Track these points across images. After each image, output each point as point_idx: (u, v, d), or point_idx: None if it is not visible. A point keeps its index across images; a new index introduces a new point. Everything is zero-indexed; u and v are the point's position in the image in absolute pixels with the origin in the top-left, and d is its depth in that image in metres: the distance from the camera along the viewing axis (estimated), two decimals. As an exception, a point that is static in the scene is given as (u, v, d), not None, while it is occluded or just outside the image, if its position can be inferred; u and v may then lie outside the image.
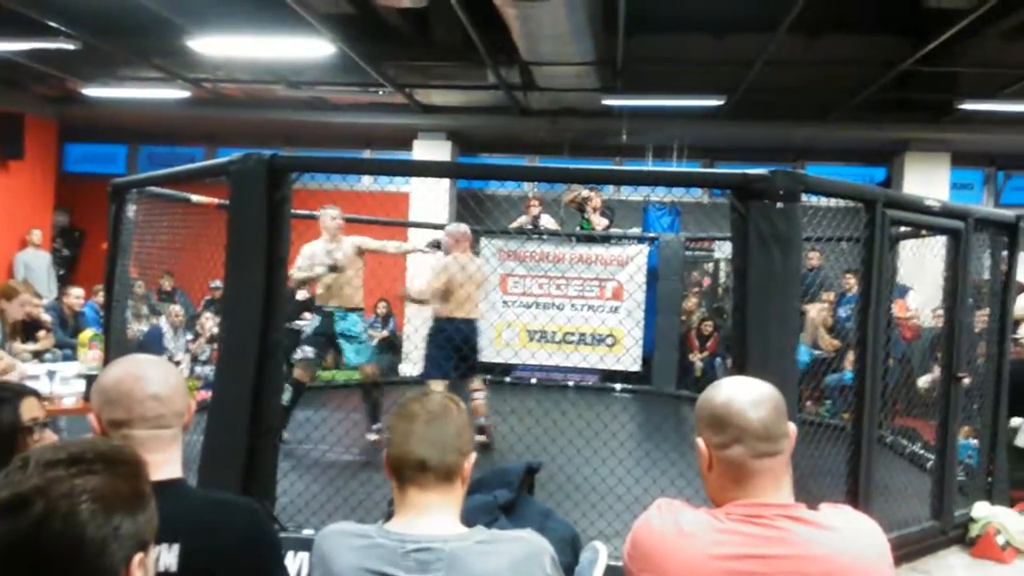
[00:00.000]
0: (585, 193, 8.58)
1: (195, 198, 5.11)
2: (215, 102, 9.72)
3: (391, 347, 9.56)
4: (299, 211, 5.49)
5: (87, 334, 4.36)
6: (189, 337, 7.83)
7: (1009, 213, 4.73)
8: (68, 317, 7.58)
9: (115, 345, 4.56)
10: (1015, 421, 5.13)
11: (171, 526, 1.25)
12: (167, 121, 10.70)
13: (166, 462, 1.50)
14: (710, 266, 9.92)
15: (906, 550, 3.83)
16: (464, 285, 5.31)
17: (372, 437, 5.21)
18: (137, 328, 7.01)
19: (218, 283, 7.64)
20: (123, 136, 11.82)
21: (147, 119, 10.64)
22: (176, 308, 7.82)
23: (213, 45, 7.40)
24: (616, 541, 1.69)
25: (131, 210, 4.65)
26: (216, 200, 4.98)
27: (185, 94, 9.32)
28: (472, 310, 5.50)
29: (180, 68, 8.51)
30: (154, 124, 11.00)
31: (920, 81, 8.50)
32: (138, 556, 1.00)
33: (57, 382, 4.28)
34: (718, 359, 8.25)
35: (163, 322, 7.70)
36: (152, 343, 7.19)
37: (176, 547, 1.41)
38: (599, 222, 8.67)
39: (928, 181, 9.67)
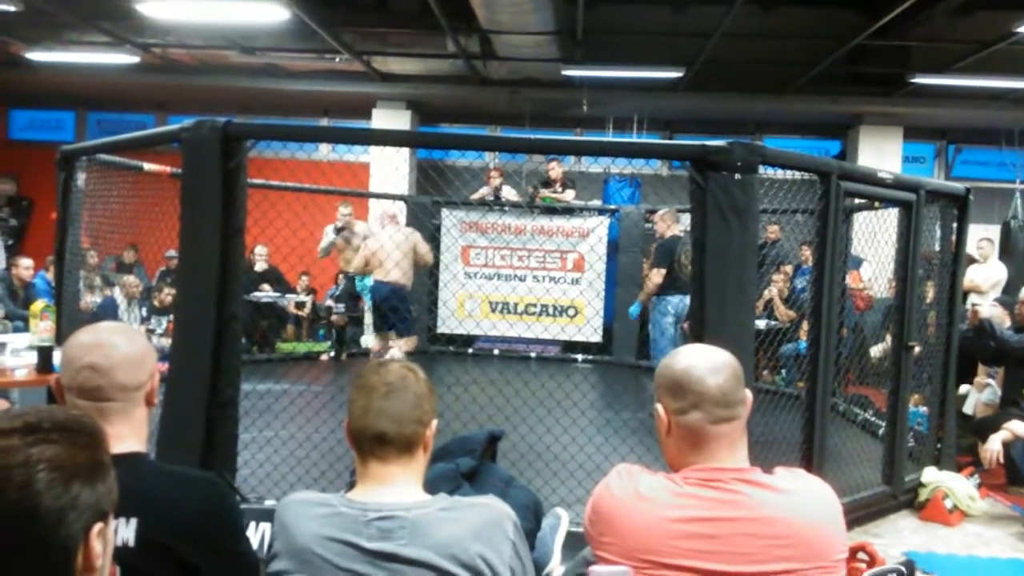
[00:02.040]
0: (544, 193, 8.64)
1: (147, 166, 4.98)
2: (166, 68, 9.46)
3: (352, 318, 9.49)
4: (255, 180, 5.43)
5: (38, 305, 4.24)
6: (143, 310, 7.69)
7: (959, 186, 4.85)
8: (18, 288, 7.38)
9: (68, 317, 4.46)
10: (963, 388, 5.31)
11: (129, 500, 1.23)
12: (116, 87, 10.39)
13: (120, 436, 1.46)
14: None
15: (858, 514, 3.95)
16: (376, 253, 6.24)
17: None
18: (90, 299, 6.85)
19: (173, 252, 7.53)
20: (70, 102, 11.47)
21: (95, 85, 10.32)
22: (131, 279, 7.65)
23: (163, 9, 7.18)
24: (578, 507, 1.71)
25: (81, 178, 4.52)
26: (169, 169, 4.88)
27: (135, 59, 9.05)
28: (389, 274, 6.30)
29: (129, 32, 8.25)
30: (103, 90, 10.68)
31: (873, 55, 8.62)
32: (97, 526, 0.99)
33: (8, 354, 4.17)
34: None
35: (117, 293, 7.54)
36: (106, 315, 7.04)
37: (134, 521, 1.39)
38: (564, 195, 8.70)
39: (881, 154, 9.85)
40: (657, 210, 9.08)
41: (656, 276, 6.52)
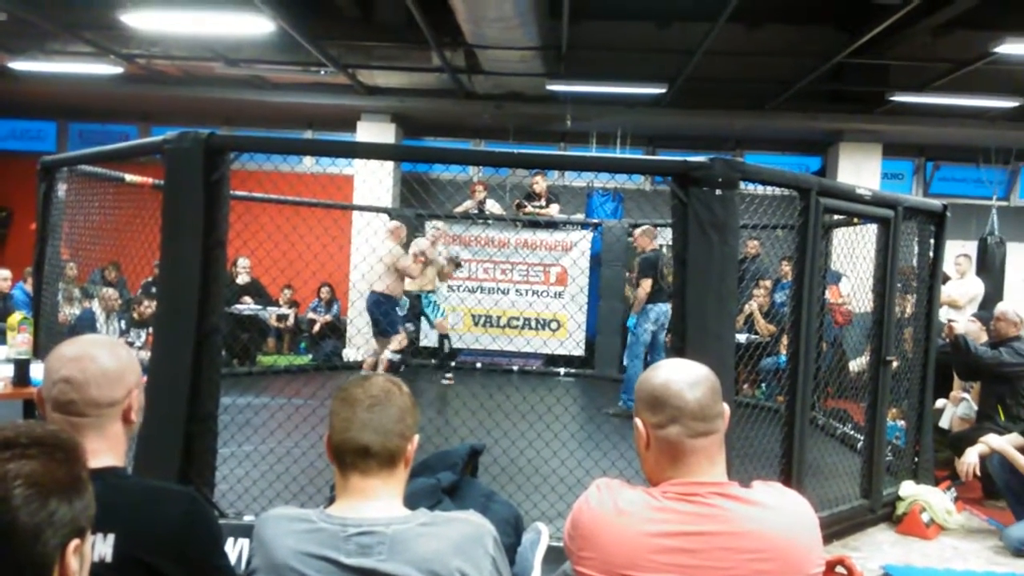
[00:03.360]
0: (527, 209, 8.71)
1: (130, 178, 4.96)
2: (149, 79, 9.42)
3: (334, 331, 9.47)
4: (238, 192, 5.41)
5: (16, 317, 4.18)
6: (123, 323, 7.60)
7: (936, 202, 4.91)
8: (-4, 300, 7.30)
9: (46, 329, 4.42)
10: (939, 403, 5.36)
11: (106, 516, 1.22)
12: (99, 98, 10.34)
13: (95, 451, 1.44)
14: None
15: (836, 527, 3.97)
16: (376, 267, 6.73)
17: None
18: (69, 312, 6.77)
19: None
20: (52, 112, 11.39)
21: (78, 95, 10.26)
22: (110, 292, 7.58)
23: (147, 20, 7.15)
24: (559, 522, 1.72)
25: (61, 189, 4.49)
26: (151, 180, 4.85)
27: (118, 70, 9.01)
28: (385, 286, 6.88)
29: (112, 43, 8.21)
30: (85, 100, 10.62)
31: (853, 73, 8.75)
32: (74, 543, 0.98)
33: (-17, 367, 4.12)
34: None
35: (95, 306, 7.46)
36: (84, 328, 6.96)
37: (111, 537, 1.38)
38: (548, 209, 8.74)
39: (860, 171, 9.97)
40: (640, 224, 9.17)
41: (643, 287, 6.71)
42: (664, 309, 6.50)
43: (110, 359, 1.54)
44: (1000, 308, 5.24)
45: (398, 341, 7.31)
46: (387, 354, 7.09)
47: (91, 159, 4.65)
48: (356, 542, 1.40)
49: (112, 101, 10.52)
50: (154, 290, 7.35)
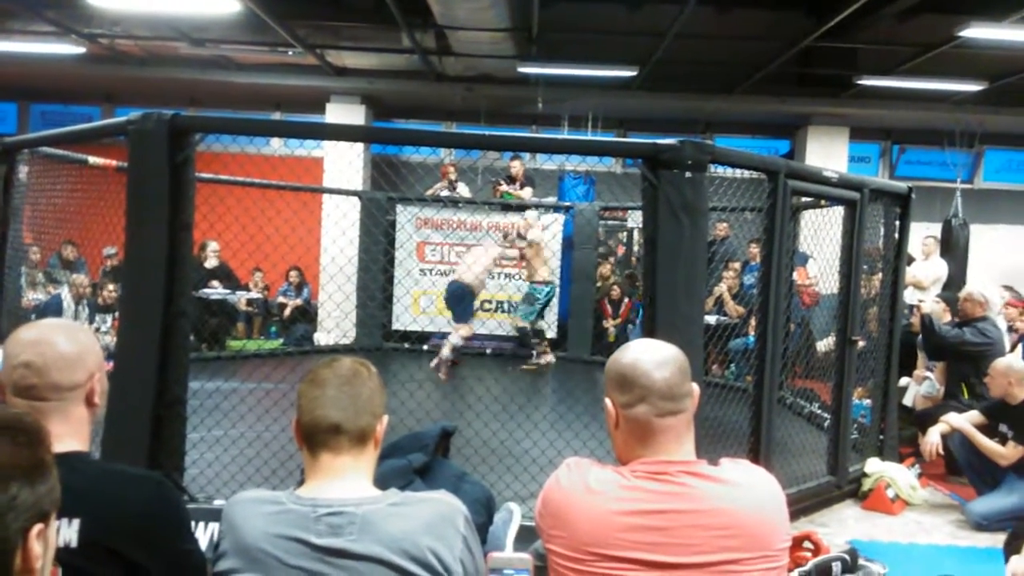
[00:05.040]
0: (504, 188, 8.68)
1: (93, 160, 4.86)
2: (113, 59, 9.22)
3: (305, 316, 9.40)
4: (204, 175, 5.33)
5: (-25, 303, 4.12)
6: (90, 310, 7.48)
7: (902, 185, 4.98)
8: (-46, 285, 7.13)
9: (8, 314, 4.34)
10: (903, 381, 5.46)
11: (71, 500, 1.21)
12: (61, 78, 10.10)
13: (58, 436, 1.42)
14: (624, 235, 10.11)
15: (804, 504, 4.05)
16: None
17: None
18: (32, 297, 6.65)
19: (112, 250, 7.33)
20: (13, 93, 11.11)
21: (39, 76, 10.02)
22: (80, 278, 7.43)
23: (110, -1, 7.00)
24: (531, 502, 1.73)
25: (23, 171, 4.40)
26: (115, 162, 4.77)
27: (80, 50, 8.80)
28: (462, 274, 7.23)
29: (75, 22, 8.02)
30: (47, 81, 10.37)
31: (822, 57, 8.81)
32: (37, 527, 0.97)
33: (-57, 353, 4.04)
34: (631, 325, 8.45)
35: (65, 292, 7.32)
36: (50, 314, 6.85)
37: (76, 522, 1.36)
38: (523, 193, 8.73)
39: (828, 154, 10.07)
40: (611, 207, 9.20)
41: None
42: None
43: (69, 343, 1.52)
44: (967, 289, 5.34)
45: (468, 328, 7.35)
46: (454, 338, 7.15)
47: (53, 140, 4.56)
48: (326, 522, 1.40)
49: (75, 81, 10.30)
50: (112, 277, 7.29)
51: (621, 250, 10.26)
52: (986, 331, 4.96)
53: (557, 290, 7.92)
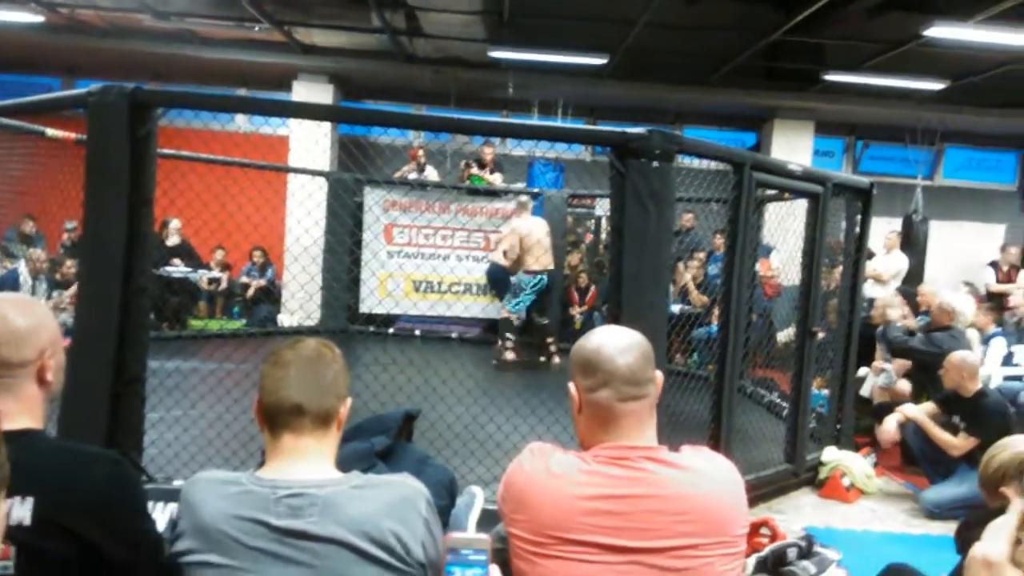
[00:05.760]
0: (474, 171, 8.63)
1: (51, 132, 4.74)
2: (73, 29, 8.98)
3: (268, 296, 9.29)
4: (166, 150, 5.23)
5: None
6: (48, 286, 7.32)
7: (864, 180, 5.07)
8: (-95, 258, 6.93)
9: (-41, 289, 4.22)
10: (861, 371, 5.57)
11: (24, 478, 1.19)
12: (19, 47, 9.81)
13: (8, 413, 1.39)
14: (591, 222, 10.14)
15: (762, 491, 4.12)
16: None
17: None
18: (-11, 270, 6.49)
19: (72, 224, 7.17)
20: (-32, 62, 10.78)
21: (-4, 44, 9.72)
22: (38, 252, 7.26)
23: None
24: (494, 486, 1.73)
25: (-24, 142, 4.28)
26: (74, 135, 4.65)
27: (40, 19, 8.55)
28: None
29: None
30: (5, 50, 10.06)
31: (789, 51, 8.90)
32: (-15, 504, 0.95)
33: None
34: (596, 312, 8.50)
35: (21, 267, 7.14)
36: (6, 289, 6.68)
37: (30, 500, 1.33)
38: (492, 178, 8.70)
39: (793, 147, 10.20)
40: (579, 195, 9.21)
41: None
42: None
43: (20, 318, 1.47)
44: (939, 298, 5.43)
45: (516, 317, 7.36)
46: (505, 325, 7.23)
47: (11, 111, 4.43)
48: (287, 504, 1.39)
49: (33, 51, 10.01)
50: (70, 252, 7.13)
51: (589, 238, 10.30)
52: (937, 340, 5.02)
53: (546, 281, 7.28)
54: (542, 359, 7.36)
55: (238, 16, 8.20)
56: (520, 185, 9.43)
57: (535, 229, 7.15)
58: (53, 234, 7.99)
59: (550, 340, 7.39)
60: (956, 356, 4.40)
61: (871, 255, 7.41)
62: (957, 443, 4.26)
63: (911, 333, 5.47)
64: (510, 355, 7.15)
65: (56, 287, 7.21)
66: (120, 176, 3.21)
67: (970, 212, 11.64)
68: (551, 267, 7.28)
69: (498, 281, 7.61)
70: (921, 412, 4.47)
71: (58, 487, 1.37)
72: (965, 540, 2.02)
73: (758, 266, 6.09)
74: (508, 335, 7.22)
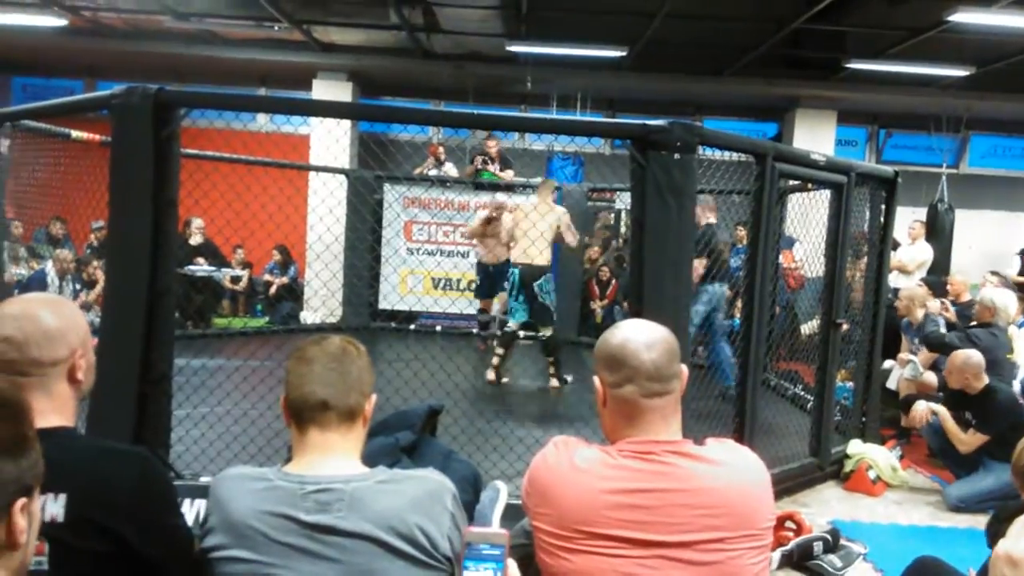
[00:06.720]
0: (488, 168, 8.54)
1: (76, 134, 4.80)
2: (96, 32, 9.08)
3: (291, 293, 9.36)
4: (190, 150, 5.28)
5: (-42, 278, 4.08)
6: (77, 285, 7.41)
7: (888, 169, 5.00)
8: (-65, 259, 7.04)
9: (-10, 289, 4.29)
10: (886, 364, 5.52)
11: (57, 475, 1.21)
12: (43, 51, 9.95)
13: (41, 411, 1.40)
14: (611, 216, 10.11)
15: (787, 484, 4.10)
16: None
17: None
18: (15, 271, 6.57)
19: (99, 224, 7.25)
20: (-7, 65, 10.94)
21: (21, 48, 9.85)
22: (65, 253, 7.35)
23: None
24: (518, 480, 1.74)
25: (4, 145, 4.34)
26: (99, 137, 4.71)
27: (62, 22, 8.66)
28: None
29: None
30: (29, 54, 10.21)
31: (811, 40, 8.80)
32: (20, 501, 0.97)
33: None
34: (618, 306, 8.47)
35: (49, 267, 7.24)
36: (34, 288, 6.78)
37: (63, 497, 1.36)
38: (502, 173, 8.67)
39: (815, 137, 10.09)
40: (599, 188, 9.18)
41: (698, 267, 5.64)
42: (717, 290, 5.76)
43: (52, 318, 1.49)
44: (984, 292, 5.39)
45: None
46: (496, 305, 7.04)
47: (36, 114, 4.50)
48: (315, 499, 1.40)
49: (57, 54, 10.14)
50: (97, 252, 7.21)
51: (607, 233, 10.25)
52: (976, 337, 4.97)
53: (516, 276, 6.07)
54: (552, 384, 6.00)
55: (258, 16, 8.25)
56: (539, 179, 9.41)
57: (532, 214, 5.96)
58: (80, 235, 8.09)
59: (551, 360, 6.02)
60: (959, 357, 4.35)
61: (896, 245, 7.33)
62: (965, 439, 4.23)
63: (952, 326, 5.40)
64: (490, 373, 5.95)
65: (84, 286, 7.31)
66: (144, 177, 3.25)
67: (996, 200, 11.46)
68: (535, 262, 5.95)
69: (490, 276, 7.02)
70: (947, 413, 4.42)
71: (91, 484, 1.39)
72: (995, 534, 1.99)
73: (781, 258, 6.02)
74: (497, 350, 6.17)
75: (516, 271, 6.04)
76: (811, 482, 4.33)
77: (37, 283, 6.75)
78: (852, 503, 4.18)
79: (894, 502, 4.23)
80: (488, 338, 7.36)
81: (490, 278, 7.18)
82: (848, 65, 8.79)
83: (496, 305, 7.32)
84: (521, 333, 6.33)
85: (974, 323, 5.24)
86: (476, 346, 7.51)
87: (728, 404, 4.06)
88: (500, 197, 7.34)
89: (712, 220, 6.03)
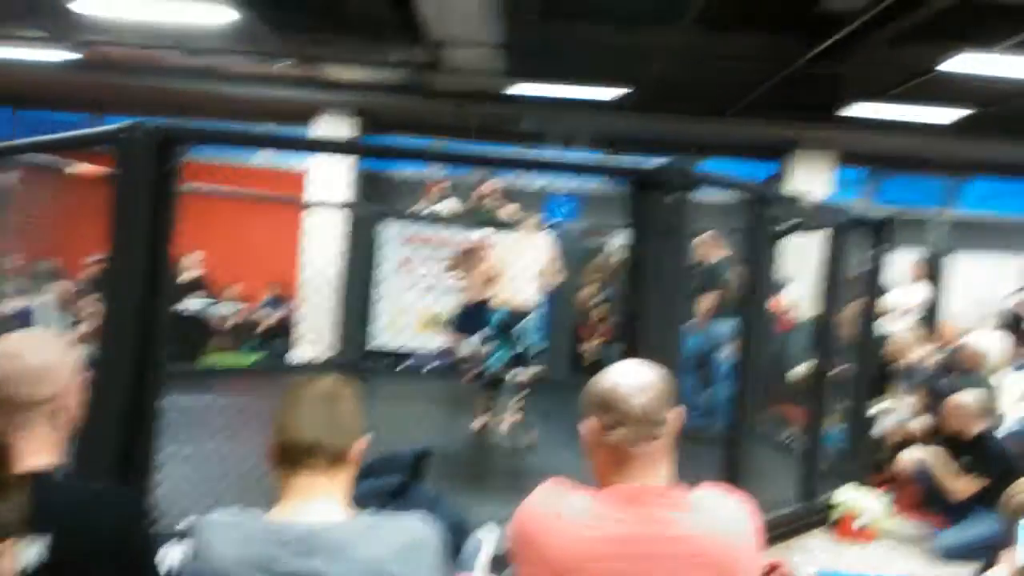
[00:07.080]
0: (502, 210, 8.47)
1: (69, 169, 4.82)
2: (100, 66, 9.16)
3: (282, 330, 9.25)
4: (192, 185, 5.29)
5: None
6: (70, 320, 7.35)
7: (881, 212, 5.03)
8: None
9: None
10: (875, 408, 5.49)
11: (39, 517, 1.20)
12: (47, 85, 10.02)
13: (28, 452, 1.41)
14: (607, 256, 10.11)
15: (773, 532, 4.01)
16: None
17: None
18: (10, 306, 6.53)
19: (93, 258, 7.20)
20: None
21: (25, 82, 9.93)
22: (67, 284, 7.27)
23: (99, 6, 6.95)
24: (507, 525, 1.72)
25: (11, 177, 4.36)
26: (99, 169, 4.74)
27: (75, 56, 8.74)
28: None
29: (62, 29, 7.98)
30: (33, 88, 10.29)
31: (811, 81, 8.88)
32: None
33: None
34: (609, 346, 8.44)
35: (43, 301, 7.15)
36: (16, 326, 6.66)
37: (46, 539, 1.34)
38: (506, 210, 8.68)
39: (815, 178, 10.13)
40: (596, 228, 9.21)
41: (706, 303, 5.78)
42: (726, 328, 5.54)
43: (37, 357, 1.49)
44: (972, 341, 5.37)
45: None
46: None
47: (39, 148, 4.51)
48: (297, 546, 1.39)
49: (61, 89, 10.20)
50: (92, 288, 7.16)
51: (603, 272, 10.23)
52: (940, 388, 4.98)
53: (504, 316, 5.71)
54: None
55: (263, 52, 8.34)
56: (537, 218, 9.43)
57: (514, 249, 5.79)
58: (74, 270, 8.07)
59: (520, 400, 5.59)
60: (952, 402, 4.34)
61: (887, 290, 7.35)
62: (958, 487, 4.21)
63: (946, 370, 5.38)
64: (476, 422, 5.57)
65: (75, 322, 7.25)
66: (144, 213, 3.25)
67: (993, 244, 11.49)
68: (517, 303, 5.64)
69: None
70: (931, 454, 4.40)
71: (74, 526, 1.38)
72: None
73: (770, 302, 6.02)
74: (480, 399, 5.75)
75: (498, 312, 5.71)
76: (799, 529, 4.26)
77: (22, 319, 6.63)
78: (840, 551, 4.12)
79: (884, 550, 4.17)
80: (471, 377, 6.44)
81: (469, 315, 6.51)
82: (847, 108, 8.87)
83: (467, 344, 6.47)
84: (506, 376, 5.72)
85: (960, 369, 5.22)
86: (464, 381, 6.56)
87: (717, 446, 4.03)
88: (481, 233, 7.06)
89: (722, 254, 5.97)
